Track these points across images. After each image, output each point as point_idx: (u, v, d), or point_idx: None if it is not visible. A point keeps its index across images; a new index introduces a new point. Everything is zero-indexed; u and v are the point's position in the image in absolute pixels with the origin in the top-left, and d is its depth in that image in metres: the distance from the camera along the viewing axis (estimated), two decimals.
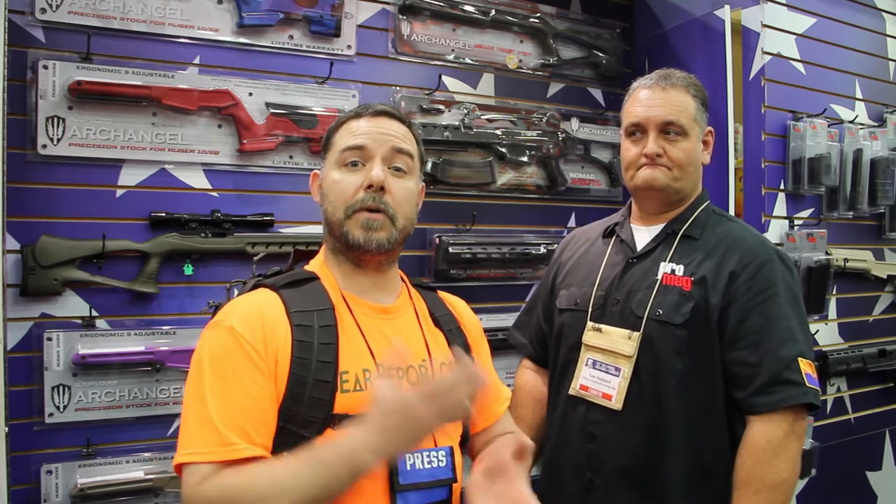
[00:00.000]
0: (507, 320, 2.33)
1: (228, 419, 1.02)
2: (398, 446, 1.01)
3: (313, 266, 1.25)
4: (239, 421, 1.03)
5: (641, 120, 1.54)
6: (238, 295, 1.22)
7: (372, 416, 0.99)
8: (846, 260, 2.53)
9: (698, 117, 1.56)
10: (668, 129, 1.52)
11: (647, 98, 1.55)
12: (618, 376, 1.49)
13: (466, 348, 1.31)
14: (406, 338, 1.22)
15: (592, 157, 2.65)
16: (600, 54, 2.66)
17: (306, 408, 1.06)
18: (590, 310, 1.57)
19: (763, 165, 2.35)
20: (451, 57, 2.41)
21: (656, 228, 1.59)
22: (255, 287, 1.20)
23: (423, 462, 1.13)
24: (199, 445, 1.01)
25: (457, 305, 1.40)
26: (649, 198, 1.58)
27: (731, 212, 2.25)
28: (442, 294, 1.39)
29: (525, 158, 2.48)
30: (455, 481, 1.17)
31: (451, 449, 1.18)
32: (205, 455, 1.00)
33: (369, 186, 1.16)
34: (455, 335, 1.31)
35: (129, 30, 1.92)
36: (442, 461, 1.16)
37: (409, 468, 1.11)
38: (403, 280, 1.32)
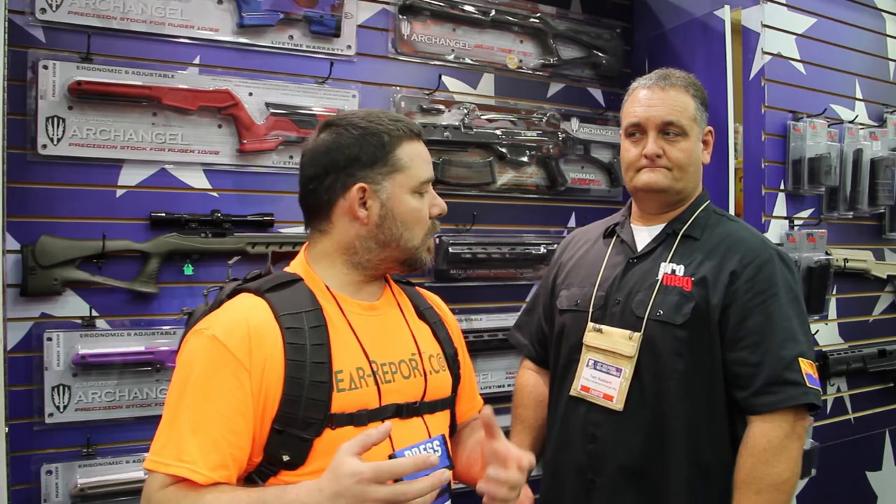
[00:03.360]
0: (508, 320, 2.33)
1: (199, 431, 1.03)
2: None
3: (296, 268, 1.24)
4: (210, 432, 1.03)
5: (641, 120, 1.54)
6: (216, 299, 1.21)
7: (325, 483, 0.98)
8: (846, 260, 2.53)
9: (698, 117, 1.55)
10: (668, 130, 1.52)
11: (646, 98, 1.55)
12: (619, 377, 1.49)
13: (449, 342, 1.35)
14: (394, 333, 1.25)
15: (592, 157, 2.65)
16: (600, 54, 2.66)
17: (304, 410, 1.07)
18: (590, 310, 1.57)
19: (763, 165, 2.35)
20: (451, 57, 2.41)
21: (656, 228, 1.59)
22: (235, 292, 1.18)
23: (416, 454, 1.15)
24: (163, 455, 1.04)
25: (436, 300, 1.43)
26: (650, 199, 1.58)
27: (731, 212, 2.25)
28: (419, 289, 1.41)
29: (525, 158, 2.48)
30: (451, 468, 1.20)
31: (444, 437, 1.22)
32: (164, 466, 1.03)
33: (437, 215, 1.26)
34: (439, 328, 1.34)
35: (129, 30, 1.92)
36: (437, 450, 1.19)
37: None
38: (385, 277, 1.33)
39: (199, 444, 1.02)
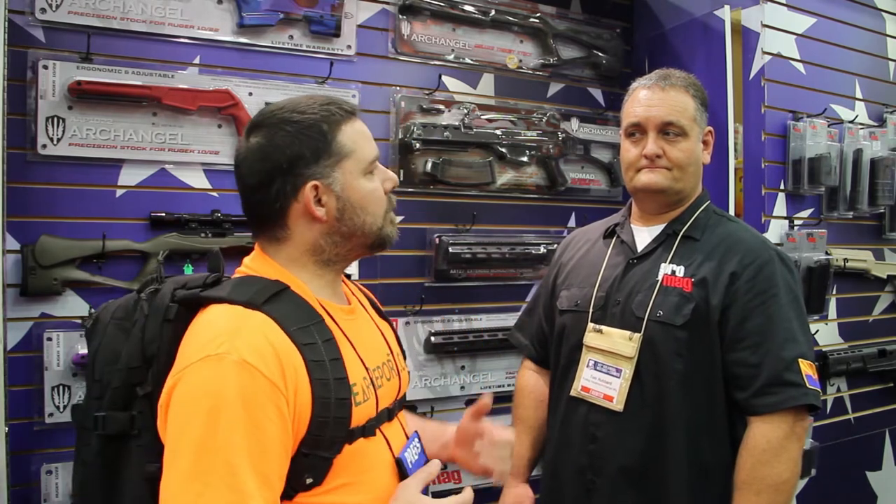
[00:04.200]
0: (508, 320, 2.33)
1: (250, 469, 0.92)
2: None
3: (269, 274, 1.11)
4: (261, 468, 0.94)
5: (641, 120, 1.54)
6: (157, 304, 1.10)
7: None
8: (846, 260, 2.53)
9: (698, 117, 1.55)
10: (668, 130, 1.52)
11: (646, 98, 1.55)
12: (619, 377, 1.49)
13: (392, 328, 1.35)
14: (370, 335, 1.23)
15: (592, 157, 2.66)
16: (600, 54, 2.66)
17: (332, 429, 1.02)
18: (590, 311, 1.57)
19: (763, 165, 2.35)
20: (451, 57, 2.41)
21: (657, 229, 1.59)
22: (195, 299, 1.06)
23: (413, 455, 1.17)
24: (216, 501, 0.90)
25: (367, 290, 1.40)
26: (649, 199, 1.58)
27: (731, 212, 2.25)
28: (354, 281, 1.38)
29: (525, 158, 2.48)
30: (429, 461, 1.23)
31: (417, 433, 1.24)
32: None
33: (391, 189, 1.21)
34: (388, 321, 1.35)
35: (129, 30, 1.91)
36: (417, 447, 1.21)
37: (410, 465, 1.15)
38: None
39: (255, 484, 0.91)
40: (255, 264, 1.14)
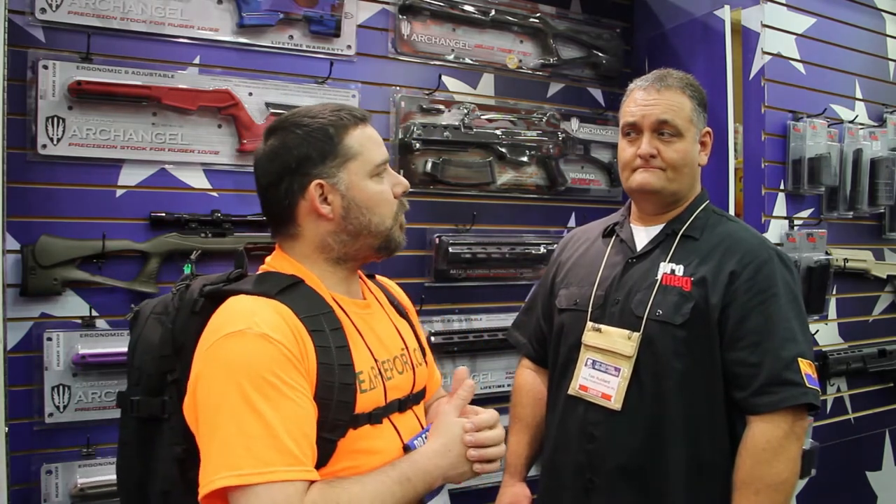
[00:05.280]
0: (507, 320, 2.33)
1: (294, 432, 0.99)
2: (460, 472, 1.15)
3: (286, 269, 1.18)
4: (306, 430, 1.01)
5: (636, 120, 1.54)
6: (187, 297, 1.17)
7: (446, 445, 1.14)
8: (846, 260, 2.53)
9: (694, 118, 1.55)
10: (663, 130, 1.52)
11: (642, 98, 1.55)
12: (617, 377, 1.48)
13: (411, 325, 1.38)
14: (384, 329, 1.26)
15: (592, 157, 2.66)
16: (600, 54, 2.66)
17: (334, 412, 1.07)
18: (589, 310, 1.57)
19: (763, 165, 2.35)
20: (451, 57, 2.41)
21: (656, 229, 1.59)
22: (220, 293, 1.13)
23: (423, 443, 1.19)
24: (274, 462, 0.96)
25: (396, 289, 1.45)
26: (645, 199, 1.58)
27: (731, 212, 2.25)
28: (380, 279, 1.42)
29: (525, 158, 2.48)
30: None
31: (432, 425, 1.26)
32: (283, 473, 0.96)
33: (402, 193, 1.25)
34: (407, 319, 1.38)
35: (129, 30, 1.92)
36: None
37: None
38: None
39: (297, 444, 0.99)
40: (275, 262, 1.21)
